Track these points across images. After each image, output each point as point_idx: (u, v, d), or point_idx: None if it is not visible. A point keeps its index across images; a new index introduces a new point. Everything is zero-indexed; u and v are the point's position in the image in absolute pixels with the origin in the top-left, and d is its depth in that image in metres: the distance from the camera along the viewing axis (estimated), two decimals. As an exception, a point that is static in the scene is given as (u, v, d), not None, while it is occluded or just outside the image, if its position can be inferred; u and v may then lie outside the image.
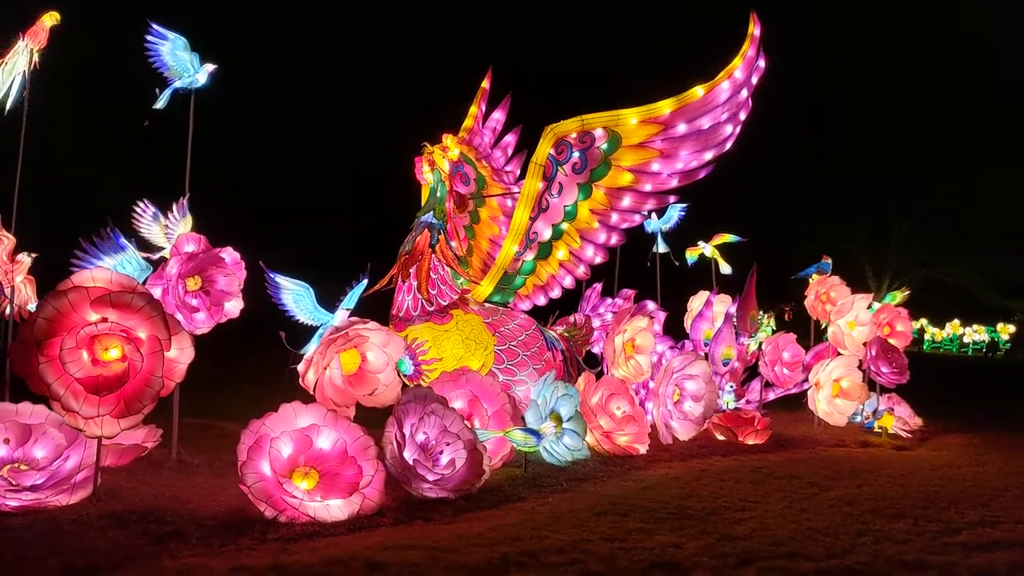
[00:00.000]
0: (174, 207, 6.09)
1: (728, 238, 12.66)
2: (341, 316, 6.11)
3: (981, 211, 37.56)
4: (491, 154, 9.05)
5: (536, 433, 6.60)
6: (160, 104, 8.24)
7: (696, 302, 11.38)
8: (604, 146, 7.68)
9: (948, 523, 5.89)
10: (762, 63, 8.10)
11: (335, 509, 5.22)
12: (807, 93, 39.08)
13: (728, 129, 8.00)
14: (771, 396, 11.14)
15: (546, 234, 7.84)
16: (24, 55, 7.22)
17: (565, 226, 7.93)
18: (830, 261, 11.88)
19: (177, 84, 8.26)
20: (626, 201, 8.09)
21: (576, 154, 7.67)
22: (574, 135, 7.62)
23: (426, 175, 7.33)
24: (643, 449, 8.01)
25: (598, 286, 9.61)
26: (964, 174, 37.93)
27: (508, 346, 7.56)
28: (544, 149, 7.57)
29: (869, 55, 39.30)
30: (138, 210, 6.13)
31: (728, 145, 8.15)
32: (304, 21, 27.12)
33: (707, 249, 12.58)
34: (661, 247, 12.30)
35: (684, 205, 12.43)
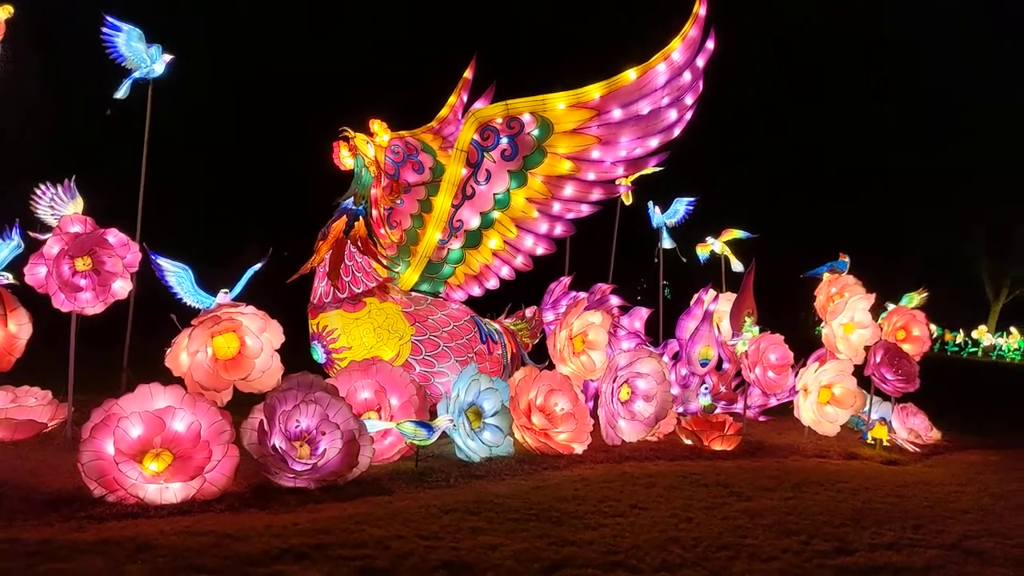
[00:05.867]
0: (59, 188, 6.24)
1: (737, 234, 11.97)
2: (220, 299, 6.10)
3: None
4: (464, 144, 8.87)
5: (428, 426, 6.38)
6: (120, 94, 8.53)
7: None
8: (535, 132, 7.34)
9: (848, 543, 5.30)
10: (711, 44, 7.52)
11: (170, 492, 5.19)
12: (924, 80, 36.67)
13: (672, 114, 7.49)
14: (772, 402, 10.46)
15: (473, 222, 7.57)
16: None
17: (496, 214, 7.63)
18: (847, 260, 11.02)
19: (136, 75, 8.54)
20: (568, 190, 7.71)
21: (504, 140, 7.36)
22: (499, 120, 7.31)
23: (344, 160, 7.21)
24: (579, 449, 7.63)
25: (565, 280, 9.23)
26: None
27: (428, 336, 7.34)
28: (467, 135, 7.31)
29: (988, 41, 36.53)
30: (38, 192, 6.32)
31: (676, 131, 7.64)
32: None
33: (716, 245, 11.95)
34: (666, 243, 11.77)
35: (692, 199, 11.87)
